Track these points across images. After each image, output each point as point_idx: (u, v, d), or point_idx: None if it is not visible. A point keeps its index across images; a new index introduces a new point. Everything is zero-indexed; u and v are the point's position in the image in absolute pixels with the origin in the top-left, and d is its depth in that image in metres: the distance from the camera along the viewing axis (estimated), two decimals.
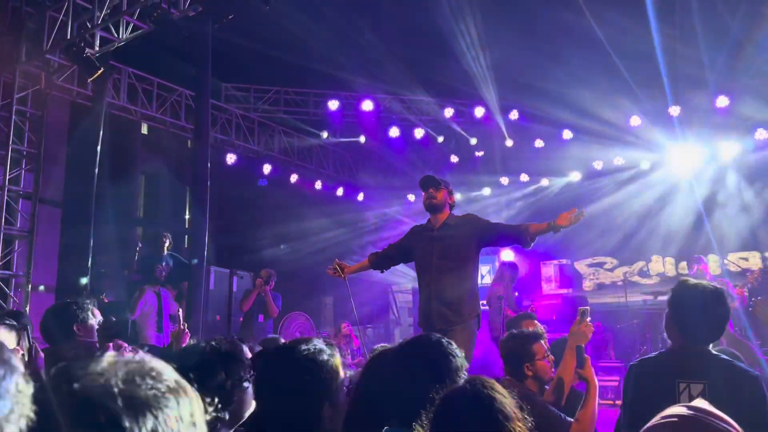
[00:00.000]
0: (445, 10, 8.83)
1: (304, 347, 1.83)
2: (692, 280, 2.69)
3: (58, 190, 10.85)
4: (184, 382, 0.83)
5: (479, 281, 12.09)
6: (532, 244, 4.15)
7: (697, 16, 7.97)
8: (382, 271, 4.91)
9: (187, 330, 3.15)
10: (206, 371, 1.73)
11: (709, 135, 10.21)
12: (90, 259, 7.98)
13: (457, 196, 12.24)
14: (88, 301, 3.28)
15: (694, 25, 8.08)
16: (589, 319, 3.05)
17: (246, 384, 1.79)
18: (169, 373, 0.82)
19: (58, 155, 11.54)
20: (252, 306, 8.36)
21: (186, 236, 12.71)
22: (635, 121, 10.51)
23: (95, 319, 3.19)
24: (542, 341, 3.24)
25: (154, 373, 0.80)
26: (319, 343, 1.86)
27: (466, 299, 4.26)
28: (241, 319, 8.72)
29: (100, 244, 8.82)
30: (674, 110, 9.99)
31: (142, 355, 0.83)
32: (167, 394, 0.78)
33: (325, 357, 1.81)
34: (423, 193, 4.49)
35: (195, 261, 7.97)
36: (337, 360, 1.84)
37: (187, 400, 0.81)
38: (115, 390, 0.73)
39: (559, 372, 3.08)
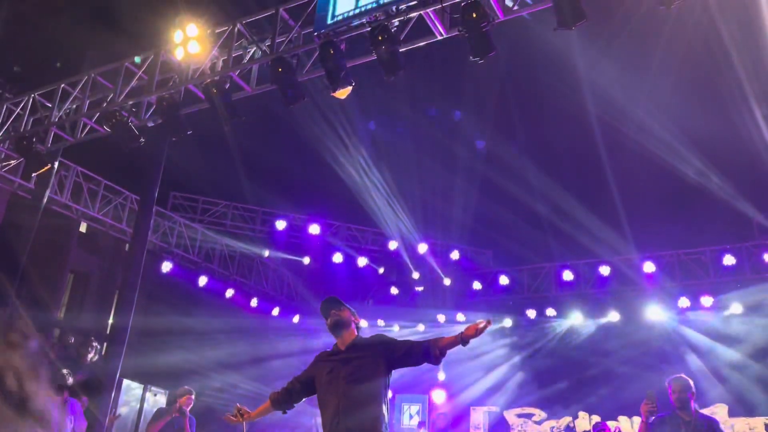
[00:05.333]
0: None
1: None
2: None
3: None
4: None
5: (408, 422, 11.70)
6: (442, 359, 3.93)
7: None
8: (284, 412, 4.48)
9: None
10: None
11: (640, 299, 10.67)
12: None
13: (394, 328, 12.29)
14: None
15: None
16: None
17: None
18: None
19: None
20: (162, 429, 7.74)
21: (105, 343, 12.03)
22: (568, 275, 10.96)
23: None
24: None
25: None
26: None
27: (380, 426, 3.95)
28: None
29: None
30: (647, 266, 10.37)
31: None
32: None
33: None
34: (326, 320, 4.24)
35: None
36: None
37: None
38: None
39: None
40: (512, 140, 8.84)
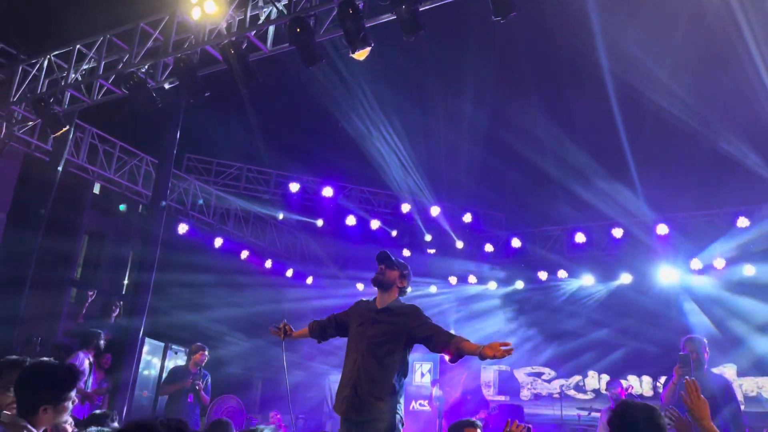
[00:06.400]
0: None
1: None
2: (632, 402, 2.81)
3: None
4: None
5: (419, 380, 11.92)
6: (458, 360, 3.98)
7: None
8: (319, 342, 4.66)
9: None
10: None
11: (652, 261, 10.72)
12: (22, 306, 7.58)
13: (407, 290, 12.41)
14: (75, 372, 2.89)
15: None
16: None
17: None
18: None
19: (2, 204, 11.18)
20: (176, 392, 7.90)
21: (122, 303, 12.26)
22: (580, 237, 11.02)
23: (71, 401, 2.84)
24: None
25: None
26: None
27: (387, 395, 4.03)
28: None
29: (30, 300, 8.42)
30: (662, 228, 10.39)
31: None
32: None
33: None
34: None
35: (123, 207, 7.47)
36: None
37: None
38: None
39: None
40: (526, 101, 8.77)
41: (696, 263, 10.40)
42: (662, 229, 10.53)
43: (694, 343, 5.14)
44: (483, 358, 3.90)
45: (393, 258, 4.35)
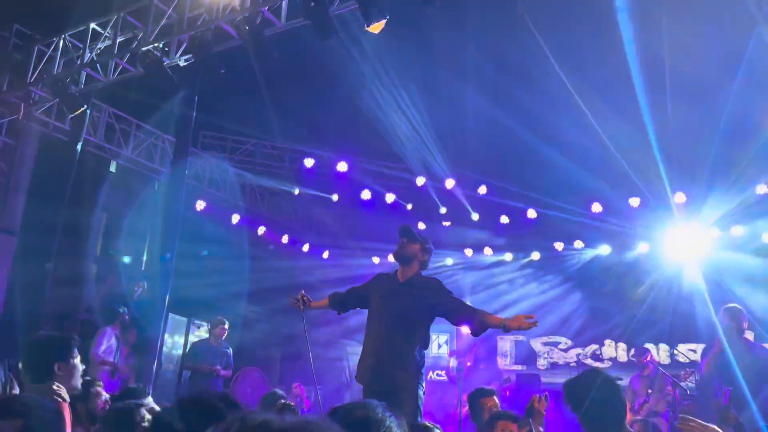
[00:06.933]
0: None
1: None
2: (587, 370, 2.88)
3: (14, 219, 10.57)
4: None
5: (436, 351, 12.05)
6: (481, 333, 4.06)
7: None
8: (339, 313, 4.75)
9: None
10: None
11: (669, 229, 10.68)
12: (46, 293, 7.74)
13: None
14: (75, 338, 3.01)
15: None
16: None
17: None
18: None
19: (22, 184, 11.31)
20: (209, 357, 8.13)
21: (144, 282, 12.47)
22: (596, 207, 10.99)
23: (78, 358, 2.95)
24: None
25: None
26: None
27: (410, 366, 4.12)
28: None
29: (53, 277, 8.58)
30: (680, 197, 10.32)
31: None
32: None
33: None
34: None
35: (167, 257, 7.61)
36: None
37: None
38: None
39: None
40: (544, 66, 8.64)
41: (714, 231, 10.35)
42: (680, 197, 10.46)
43: (733, 313, 5.08)
44: (507, 330, 3.97)
45: (414, 231, 4.37)
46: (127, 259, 11.85)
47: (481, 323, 4.00)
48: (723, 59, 8.25)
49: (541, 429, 3.46)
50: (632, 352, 10.61)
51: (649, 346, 11.36)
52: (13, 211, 10.04)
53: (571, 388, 2.73)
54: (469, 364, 11.31)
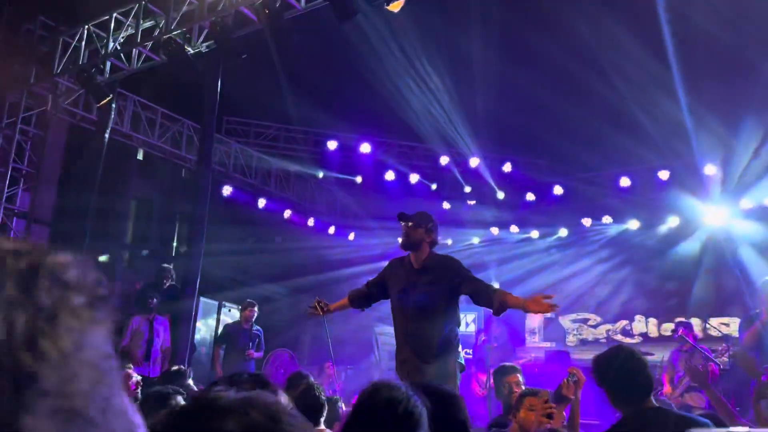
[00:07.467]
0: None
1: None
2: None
3: (46, 209, 10.82)
4: None
5: (464, 329, 12.10)
6: (501, 313, 3.99)
7: None
8: (362, 310, 4.71)
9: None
10: None
11: (700, 202, 10.48)
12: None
13: (447, 242, 12.47)
14: None
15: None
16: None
17: None
18: None
19: (52, 175, 11.55)
20: (240, 339, 8.28)
21: (172, 264, 12.69)
22: (624, 182, 10.82)
23: None
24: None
25: None
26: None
27: (444, 348, 4.10)
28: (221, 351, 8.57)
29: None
30: (710, 169, 10.12)
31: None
32: None
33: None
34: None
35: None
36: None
37: None
38: None
39: None
40: (569, 38, 8.48)
41: (746, 202, 10.13)
42: (710, 169, 10.24)
43: None
44: (527, 311, 3.93)
45: (412, 215, 4.25)
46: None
47: (501, 303, 3.95)
48: (759, 28, 7.99)
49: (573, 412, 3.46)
50: (672, 327, 10.50)
51: (680, 320, 11.27)
52: (44, 202, 10.27)
53: (597, 362, 2.83)
54: (495, 345, 11.33)
